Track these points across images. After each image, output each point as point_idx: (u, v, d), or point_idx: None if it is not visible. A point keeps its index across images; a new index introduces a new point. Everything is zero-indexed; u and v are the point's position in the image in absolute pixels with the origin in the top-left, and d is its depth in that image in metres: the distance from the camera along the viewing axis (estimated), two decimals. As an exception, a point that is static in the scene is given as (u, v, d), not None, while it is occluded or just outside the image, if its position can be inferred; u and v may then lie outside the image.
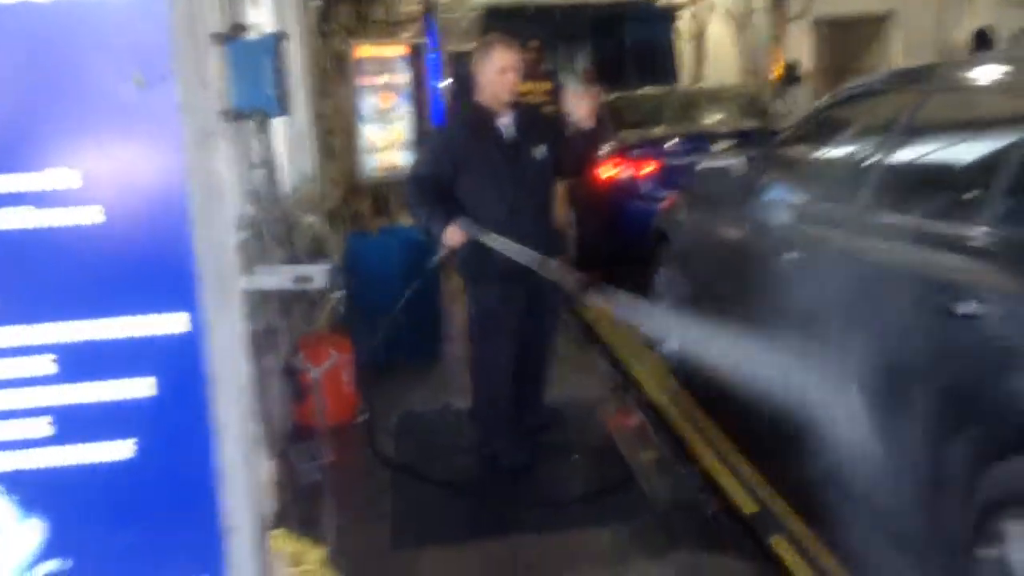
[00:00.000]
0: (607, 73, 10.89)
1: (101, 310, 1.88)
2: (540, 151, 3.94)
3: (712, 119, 8.53)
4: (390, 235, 6.45)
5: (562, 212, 5.95)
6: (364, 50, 9.25)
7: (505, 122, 3.96)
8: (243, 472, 1.95)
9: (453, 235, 3.83)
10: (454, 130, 4.14)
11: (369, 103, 9.25)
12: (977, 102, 3.12)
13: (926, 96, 3.29)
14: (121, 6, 1.84)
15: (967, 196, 2.74)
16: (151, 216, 1.87)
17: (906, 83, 3.59)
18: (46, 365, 1.90)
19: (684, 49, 14.08)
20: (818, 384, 3.01)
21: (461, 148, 3.91)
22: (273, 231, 4.80)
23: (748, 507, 3.71)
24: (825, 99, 4.38)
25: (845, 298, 3.05)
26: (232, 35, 4.15)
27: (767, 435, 3.41)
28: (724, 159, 4.33)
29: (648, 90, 9.82)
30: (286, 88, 4.32)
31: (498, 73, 3.86)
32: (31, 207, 1.85)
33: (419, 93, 9.72)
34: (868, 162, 3.32)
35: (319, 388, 4.00)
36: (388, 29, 10.64)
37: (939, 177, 3.07)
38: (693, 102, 9.36)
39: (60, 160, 1.84)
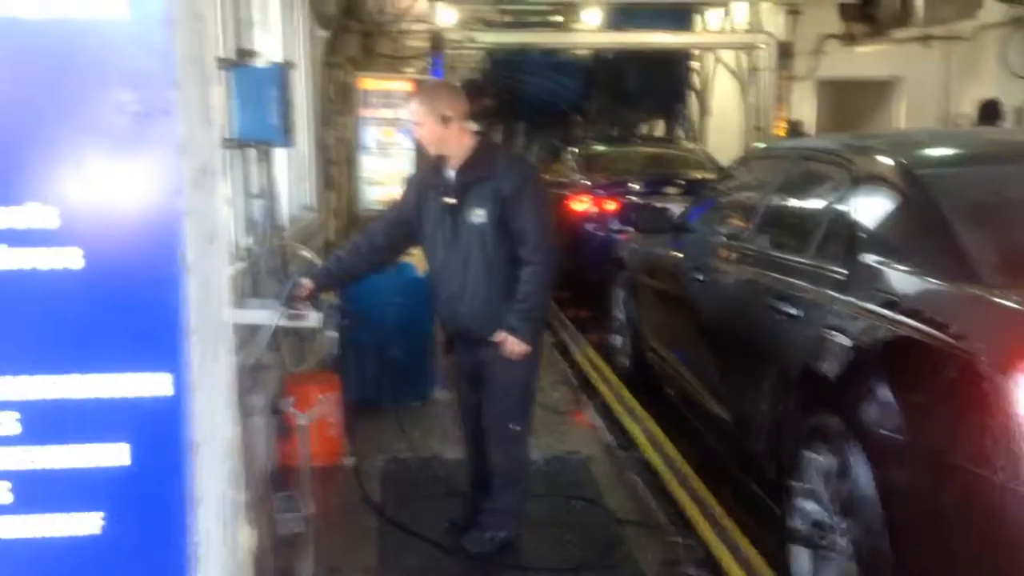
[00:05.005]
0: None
1: (73, 366, 1.66)
2: (478, 214, 3.49)
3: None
4: (387, 272, 6.24)
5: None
6: (368, 83, 9.15)
7: (451, 175, 3.56)
8: (221, 551, 1.73)
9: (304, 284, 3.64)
10: (421, 172, 3.86)
11: (371, 135, 9.14)
12: (815, 170, 4.16)
13: (791, 163, 4.51)
14: (119, 27, 1.64)
15: (799, 237, 3.91)
16: (137, 263, 1.65)
17: (780, 150, 5.09)
18: (8, 424, 1.68)
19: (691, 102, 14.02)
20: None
21: (417, 192, 3.68)
22: (268, 263, 4.62)
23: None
24: (735, 160, 5.63)
25: (728, 305, 4.31)
26: (238, 61, 4.00)
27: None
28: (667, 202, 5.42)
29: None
30: (292, 119, 4.17)
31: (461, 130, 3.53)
32: (2, 245, 1.64)
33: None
34: (752, 208, 4.55)
35: (306, 434, 3.78)
36: (394, 63, 10.54)
37: (787, 223, 4.28)
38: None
39: (37, 194, 1.63)
